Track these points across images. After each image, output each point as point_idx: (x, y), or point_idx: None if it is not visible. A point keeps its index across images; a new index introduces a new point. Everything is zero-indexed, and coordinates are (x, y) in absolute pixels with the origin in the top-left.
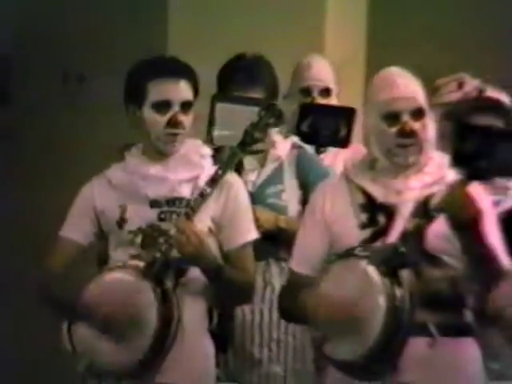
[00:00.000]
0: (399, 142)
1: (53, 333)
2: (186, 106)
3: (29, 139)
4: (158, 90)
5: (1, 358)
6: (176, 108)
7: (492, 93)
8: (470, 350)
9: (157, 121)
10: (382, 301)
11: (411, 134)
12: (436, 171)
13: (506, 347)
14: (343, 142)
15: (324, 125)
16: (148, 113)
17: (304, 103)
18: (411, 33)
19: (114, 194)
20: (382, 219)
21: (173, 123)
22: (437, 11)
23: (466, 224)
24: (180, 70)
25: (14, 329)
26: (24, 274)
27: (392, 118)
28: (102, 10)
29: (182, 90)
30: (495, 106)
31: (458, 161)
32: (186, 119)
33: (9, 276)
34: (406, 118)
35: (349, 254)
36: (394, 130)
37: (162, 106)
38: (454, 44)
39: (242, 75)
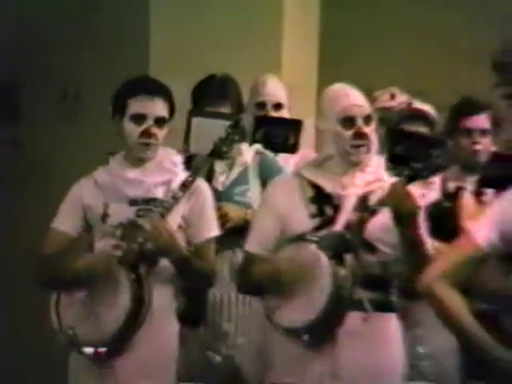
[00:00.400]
0: (354, 143)
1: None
2: (159, 121)
3: (34, 146)
4: (136, 105)
5: None
6: (150, 121)
7: (419, 105)
8: (394, 322)
9: (133, 131)
10: (328, 278)
11: (364, 136)
12: (376, 171)
13: (427, 317)
14: (292, 149)
15: (275, 134)
16: (127, 124)
17: (258, 115)
18: (359, 56)
19: (99, 192)
20: (328, 210)
21: (146, 134)
22: (383, 36)
23: (407, 216)
24: (156, 89)
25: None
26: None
27: (348, 122)
28: (93, 37)
29: (157, 107)
30: (422, 116)
31: (394, 162)
32: (159, 132)
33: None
34: (359, 122)
35: (300, 238)
36: (349, 132)
37: (138, 118)
38: (400, 65)
39: (213, 93)
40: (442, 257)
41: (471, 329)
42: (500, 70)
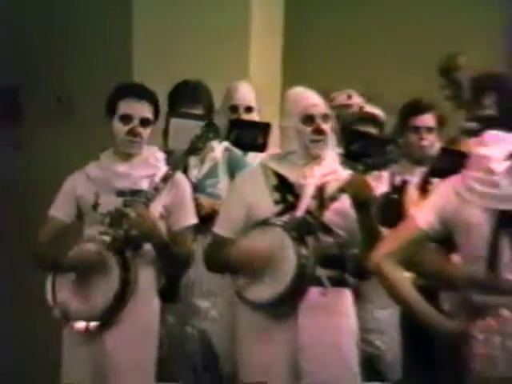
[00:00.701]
0: (313, 138)
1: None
2: (144, 121)
3: (34, 146)
4: (124, 107)
5: None
6: (136, 122)
7: (370, 109)
8: (348, 296)
9: (121, 129)
10: (292, 258)
11: (322, 132)
12: (331, 164)
13: (377, 294)
14: (262, 148)
15: (247, 135)
16: (116, 123)
17: (232, 119)
18: (318, 62)
19: (91, 184)
20: (290, 198)
21: (132, 133)
22: (340, 43)
23: (365, 203)
24: (142, 93)
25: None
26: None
27: (308, 120)
28: (82, 46)
29: (143, 109)
30: (372, 119)
31: (349, 158)
32: (144, 131)
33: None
34: (318, 120)
35: (266, 222)
36: (309, 129)
37: (126, 118)
38: (357, 69)
39: (187, 96)
40: (387, 239)
41: (415, 301)
42: (444, 74)
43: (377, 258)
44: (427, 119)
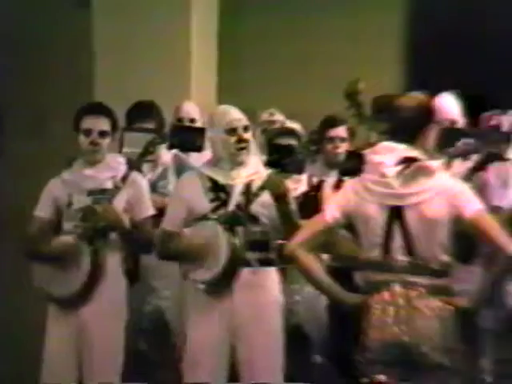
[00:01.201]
0: (237, 147)
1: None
2: (102, 134)
3: (14, 153)
4: (85, 122)
5: None
6: (95, 134)
7: (290, 124)
8: (274, 274)
9: (84, 141)
10: (225, 245)
11: (244, 140)
12: (255, 166)
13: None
14: (199, 149)
15: (186, 139)
16: (80, 136)
17: (173, 124)
18: (247, 85)
19: (65, 187)
20: (223, 196)
21: (92, 143)
22: (268, 74)
23: (281, 196)
24: (100, 110)
25: None
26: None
27: (232, 131)
28: (52, 75)
29: (100, 123)
30: (292, 133)
31: (271, 165)
32: (103, 141)
33: None
34: (240, 131)
35: (204, 217)
36: (233, 139)
37: (87, 132)
38: (283, 92)
39: (141, 114)
40: (301, 230)
41: (322, 280)
42: (348, 97)
43: (292, 245)
44: (340, 131)
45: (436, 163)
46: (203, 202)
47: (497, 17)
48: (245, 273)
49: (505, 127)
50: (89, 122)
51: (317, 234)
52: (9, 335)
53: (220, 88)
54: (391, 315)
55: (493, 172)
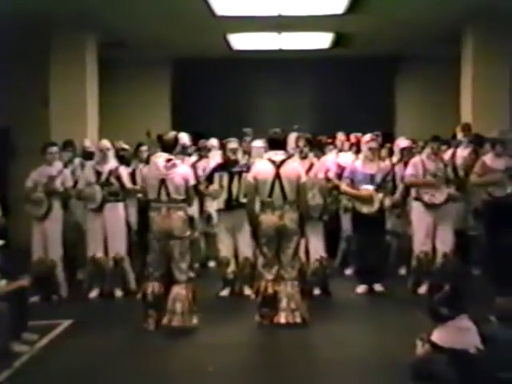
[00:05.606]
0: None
1: None
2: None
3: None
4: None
5: None
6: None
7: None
8: None
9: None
10: None
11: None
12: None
13: None
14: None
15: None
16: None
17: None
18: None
19: (39, 173)
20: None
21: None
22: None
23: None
24: (52, 143)
25: None
26: None
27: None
28: (25, 110)
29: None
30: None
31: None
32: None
33: None
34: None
35: None
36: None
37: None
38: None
39: (63, 144)
40: None
41: None
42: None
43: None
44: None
45: None
46: None
47: None
48: None
49: None
50: (49, 152)
51: None
52: None
53: (101, 129)
54: None
55: None
